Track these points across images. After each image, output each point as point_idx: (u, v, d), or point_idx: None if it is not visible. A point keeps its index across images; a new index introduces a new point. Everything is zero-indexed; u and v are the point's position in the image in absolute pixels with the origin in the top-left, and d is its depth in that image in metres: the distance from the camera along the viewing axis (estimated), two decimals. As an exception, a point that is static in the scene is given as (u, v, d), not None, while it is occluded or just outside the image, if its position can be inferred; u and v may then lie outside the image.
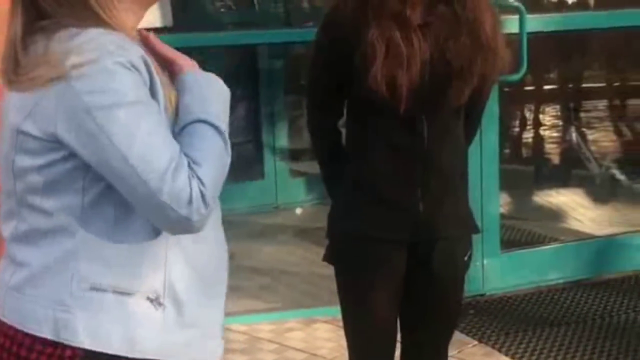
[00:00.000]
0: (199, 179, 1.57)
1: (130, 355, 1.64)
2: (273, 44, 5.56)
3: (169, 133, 1.60)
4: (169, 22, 4.42)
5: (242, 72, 6.27)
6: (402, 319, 2.63)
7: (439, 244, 2.53)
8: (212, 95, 1.70)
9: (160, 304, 1.67)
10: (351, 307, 2.62)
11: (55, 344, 1.62)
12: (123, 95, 1.55)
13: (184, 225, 1.60)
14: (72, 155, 1.59)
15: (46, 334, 1.62)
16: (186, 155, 1.59)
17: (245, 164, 6.17)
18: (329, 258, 2.62)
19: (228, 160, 1.66)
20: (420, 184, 2.47)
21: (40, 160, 1.61)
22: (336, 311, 3.85)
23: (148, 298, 1.66)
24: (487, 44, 2.40)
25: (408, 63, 2.35)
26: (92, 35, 1.58)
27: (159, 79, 1.64)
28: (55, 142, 1.59)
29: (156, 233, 1.65)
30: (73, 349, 1.62)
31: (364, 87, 2.36)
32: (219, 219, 1.79)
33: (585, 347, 4.05)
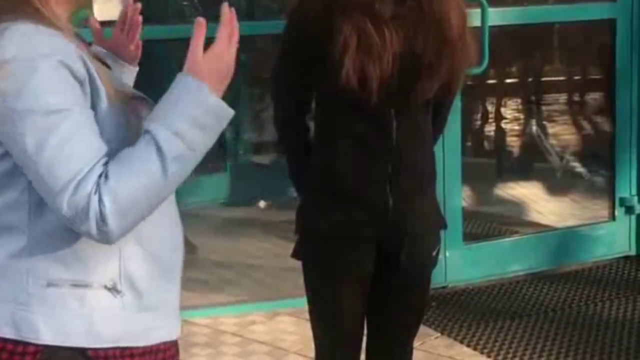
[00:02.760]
0: (100, 195, 1.52)
1: (92, 346, 1.64)
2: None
3: (92, 140, 1.55)
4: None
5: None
6: (369, 312, 2.64)
7: (408, 240, 2.53)
8: (183, 106, 1.57)
9: (118, 292, 1.67)
10: (319, 303, 2.62)
11: (16, 342, 1.61)
12: (42, 100, 1.52)
13: (91, 238, 1.56)
14: (8, 153, 1.58)
15: (7, 333, 1.61)
16: (108, 166, 1.54)
17: (208, 158, 6.14)
18: (297, 254, 2.62)
19: (160, 179, 1.55)
20: (389, 179, 2.47)
21: None
22: (299, 303, 3.86)
23: (105, 287, 1.66)
24: (454, 39, 2.39)
25: (379, 55, 2.34)
26: (23, 31, 1.55)
27: (101, 76, 1.61)
28: None
29: None
30: (36, 345, 1.61)
31: (335, 81, 2.35)
32: (173, 200, 1.77)
33: (546, 338, 4.08)
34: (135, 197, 1.55)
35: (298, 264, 2.64)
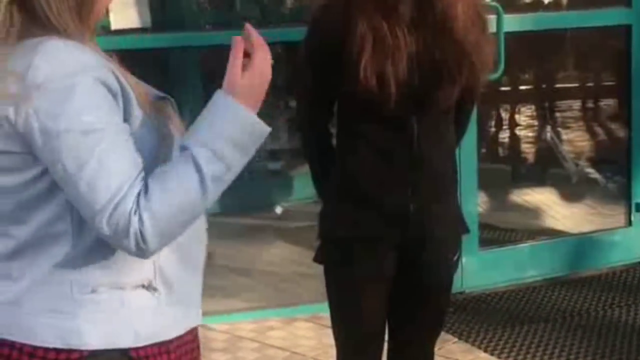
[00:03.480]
0: (140, 215, 1.53)
1: (135, 345, 1.67)
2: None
3: (130, 157, 1.57)
4: (147, 23, 4.43)
5: (220, 73, 6.27)
6: (390, 317, 2.65)
7: (429, 244, 2.54)
8: (222, 126, 1.59)
9: (154, 289, 1.70)
10: (340, 307, 2.63)
11: (58, 351, 1.63)
12: (81, 120, 1.53)
13: (128, 253, 1.59)
14: (48, 170, 1.60)
15: (53, 343, 1.63)
16: (147, 182, 1.56)
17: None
18: (319, 258, 2.63)
19: (198, 199, 1.57)
20: (410, 184, 2.48)
21: (24, 176, 1.61)
22: (317, 309, 3.89)
23: (143, 286, 1.69)
24: (473, 45, 2.41)
25: (393, 55, 2.36)
26: (55, 48, 1.57)
27: (131, 84, 1.63)
28: (33, 156, 1.59)
29: None
30: (81, 351, 1.64)
31: (354, 82, 2.37)
32: None
33: (563, 344, 4.09)
34: (174, 216, 1.57)
35: (316, 269, 2.66)
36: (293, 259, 5.03)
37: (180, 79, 5.51)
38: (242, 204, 6.10)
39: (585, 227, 5.46)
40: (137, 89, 1.65)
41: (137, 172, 1.56)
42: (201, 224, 1.82)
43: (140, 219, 1.53)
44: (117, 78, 1.60)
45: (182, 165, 1.57)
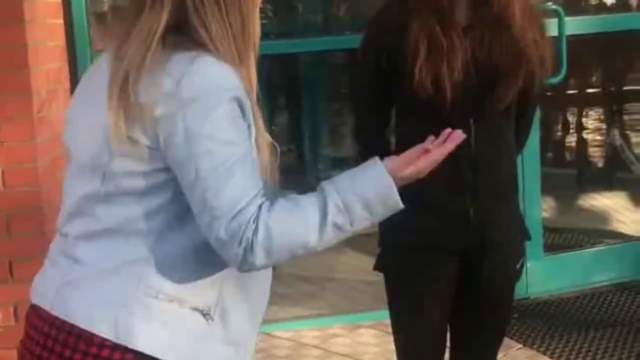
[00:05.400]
0: (257, 225, 1.60)
1: (174, 359, 1.70)
2: (314, 52, 5.60)
3: (254, 174, 1.65)
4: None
5: (283, 81, 6.32)
6: (452, 324, 2.64)
7: (490, 250, 2.53)
8: (364, 188, 1.69)
9: (210, 317, 1.74)
10: (402, 315, 2.63)
11: (105, 342, 1.67)
12: (223, 130, 1.62)
13: (232, 263, 1.64)
14: (163, 170, 1.67)
15: (105, 332, 1.67)
16: (278, 200, 1.64)
17: (288, 172, 6.22)
18: (380, 266, 2.64)
19: (313, 238, 1.64)
20: (470, 189, 2.47)
21: (145, 167, 1.67)
22: (380, 316, 3.88)
23: (201, 310, 1.73)
24: (530, 46, 2.40)
25: (448, 57, 2.37)
26: (210, 62, 1.64)
27: (255, 112, 1.71)
28: (160, 152, 1.65)
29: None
30: (125, 350, 1.67)
31: (410, 86, 2.38)
32: None
33: (631, 350, 4.03)
34: (285, 241, 1.63)
35: (378, 276, 2.66)
36: (357, 266, 5.03)
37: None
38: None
39: (653, 231, 5.38)
40: (259, 118, 1.73)
41: (258, 189, 1.64)
42: (269, 278, 1.87)
43: (257, 228, 1.60)
44: (248, 100, 1.69)
45: (314, 200, 1.66)
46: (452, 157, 2.44)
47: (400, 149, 2.55)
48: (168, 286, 1.69)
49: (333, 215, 1.65)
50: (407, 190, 2.49)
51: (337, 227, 1.66)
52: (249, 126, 1.68)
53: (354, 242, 5.33)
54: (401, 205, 1.72)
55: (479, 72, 2.40)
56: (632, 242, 5.09)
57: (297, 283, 4.93)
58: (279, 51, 4.97)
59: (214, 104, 1.62)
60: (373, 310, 4.30)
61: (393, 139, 2.62)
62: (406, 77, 2.39)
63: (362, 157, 2.70)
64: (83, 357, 1.67)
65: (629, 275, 4.84)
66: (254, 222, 1.60)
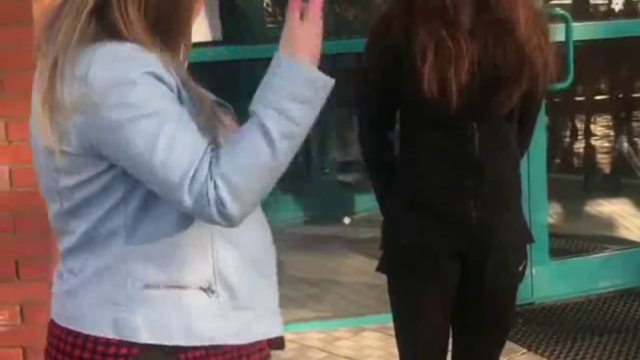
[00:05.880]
0: (215, 181, 1.58)
1: (188, 344, 1.71)
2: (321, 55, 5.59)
3: (195, 132, 1.62)
4: (219, 36, 4.49)
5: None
6: (454, 327, 2.65)
7: (492, 254, 2.54)
8: (282, 84, 1.62)
9: (212, 292, 1.73)
10: (404, 317, 2.64)
11: (110, 341, 1.69)
12: (142, 108, 1.59)
13: (216, 223, 1.62)
14: (112, 165, 1.66)
15: (107, 333, 1.69)
16: (217, 151, 1.60)
17: (295, 176, 6.23)
18: (382, 268, 2.64)
19: (269, 158, 1.60)
20: (472, 192, 2.48)
21: (83, 176, 1.68)
22: (384, 319, 3.88)
23: (201, 288, 1.72)
24: (533, 50, 2.41)
25: (456, 62, 2.37)
26: (109, 49, 1.63)
27: (190, 87, 1.69)
28: (95, 156, 1.66)
29: (199, 222, 1.69)
30: (131, 345, 1.68)
31: (415, 90, 2.38)
32: (258, 206, 1.79)
33: (635, 356, 4.02)
34: (248, 178, 1.60)
35: (383, 280, 2.67)
36: (361, 269, 5.04)
37: (252, 91, 5.57)
38: (311, 215, 6.14)
39: (660, 239, 5.37)
40: (196, 92, 1.71)
41: (205, 145, 1.61)
42: (266, 234, 1.85)
43: (215, 185, 1.57)
44: (173, 76, 1.66)
45: (248, 128, 1.61)
46: (455, 160, 2.47)
47: (402, 153, 2.59)
48: (156, 274, 1.70)
49: (274, 128, 1.59)
50: (411, 193, 2.53)
51: (285, 135, 1.60)
52: (179, 98, 1.65)
53: (359, 245, 5.38)
54: (328, 79, 1.64)
55: (483, 76, 2.41)
56: (638, 249, 5.08)
57: (302, 285, 4.93)
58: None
59: (126, 89, 1.59)
60: (377, 314, 4.30)
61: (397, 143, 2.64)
62: (411, 81, 2.39)
63: (367, 163, 2.72)
64: (92, 356, 1.69)
65: (635, 282, 4.82)
66: (211, 179, 1.57)
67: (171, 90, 1.64)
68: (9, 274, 3.44)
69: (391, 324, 2.70)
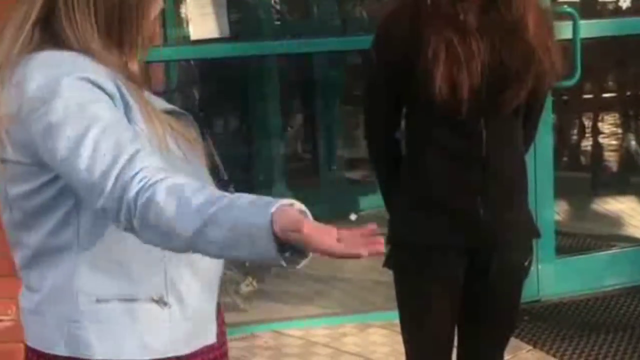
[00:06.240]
0: (138, 192, 1.50)
1: (142, 358, 1.70)
2: (328, 52, 5.61)
3: (123, 138, 1.56)
4: (226, 33, 4.50)
5: (298, 82, 6.33)
6: (459, 322, 2.66)
7: (499, 250, 2.55)
8: (247, 231, 1.45)
9: (165, 303, 1.72)
10: (410, 313, 2.65)
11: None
12: (70, 114, 1.56)
13: (124, 229, 1.56)
14: (58, 176, 1.63)
15: (62, 351, 1.69)
16: (170, 176, 1.52)
17: (302, 173, 6.24)
18: (389, 263, 2.65)
19: (182, 231, 1.47)
20: (480, 189, 2.49)
21: (30, 185, 1.66)
22: (391, 316, 3.88)
23: (153, 299, 1.71)
24: (538, 47, 2.42)
25: (468, 64, 2.38)
26: (45, 57, 1.63)
27: (136, 97, 1.67)
28: (39, 165, 1.63)
29: None
30: None
31: (425, 92, 2.39)
32: None
33: (641, 353, 4.03)
34: (159, 219, 1.49)
35: (389, 276, 2.67)
36: (368, 266, 5.02)
37: (259, 88, 5.58)
38: (319, 211, 6.14)
39: (666, 236, 5.37)
40: (144, 103, 1.68)
41: (129, 155, 1.54)
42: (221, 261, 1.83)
43: (138, 193, 1.50)
44: (116, 85, 1.64)
45: (203, 199, 1.48)
46: (462, 157, 2.48)
47: (410, 150, 2.60)
48: (108, 288, 1.69)
49: (212, 234, 1.45)
50: (418, 189, 2.54)
51: (206, 243, 1.47)
52: (125, 110, 1.62)
53: (366, 241, 5.37)
54: (273, 254, 1.47)
55: (491, 74, 2.42)
56: (644, 247, 5.08)
57: (308, 282, 4.93)
58: (292, 51, 4.99)
59: (53, 93, 1.57)
60: (384, 310, 4.31)
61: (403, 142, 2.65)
62: (420, 81, 2.40)
63: (373, 158, 2.73)
64: None
65: (641, 279, 4.83)
66: (137, 180, 1.50)
67: (110, 96, 1.62)
68: (14, 268, 3.45)
69: (397, 320, 2.71)
